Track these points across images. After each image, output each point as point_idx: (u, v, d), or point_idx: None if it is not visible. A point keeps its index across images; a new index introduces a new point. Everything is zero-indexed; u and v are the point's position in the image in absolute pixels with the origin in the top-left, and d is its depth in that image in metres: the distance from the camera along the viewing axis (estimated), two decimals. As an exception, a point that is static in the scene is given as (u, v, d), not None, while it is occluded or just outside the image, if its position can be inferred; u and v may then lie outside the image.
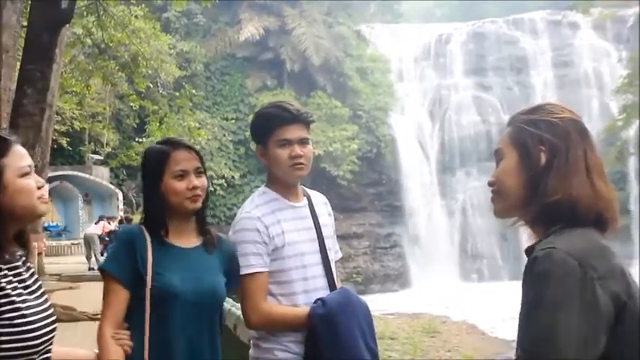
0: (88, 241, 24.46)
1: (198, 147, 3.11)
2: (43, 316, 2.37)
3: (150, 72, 24.34)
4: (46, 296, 2.49)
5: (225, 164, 41.52)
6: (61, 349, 2.67)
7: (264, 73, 44.34)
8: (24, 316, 2.29)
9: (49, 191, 21.92)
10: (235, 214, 3.40)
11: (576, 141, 2.02)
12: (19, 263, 2.44)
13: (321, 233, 3.37)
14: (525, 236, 2.11)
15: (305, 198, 3.43)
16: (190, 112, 30.81)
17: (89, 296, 14.09)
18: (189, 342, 2.92)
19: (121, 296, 2.92)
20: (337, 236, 3.60)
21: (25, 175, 2.40)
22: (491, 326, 27.34)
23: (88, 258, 24.08)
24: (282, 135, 3.23)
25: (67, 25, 15.42)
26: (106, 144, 38.33)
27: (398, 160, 44.31)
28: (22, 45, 12.80)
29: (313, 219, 3.37)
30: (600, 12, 42.58)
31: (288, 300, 3.24)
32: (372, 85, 45.32)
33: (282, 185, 3.34)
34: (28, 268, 2.49)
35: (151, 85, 26.39)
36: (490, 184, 2.14)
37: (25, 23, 12.82)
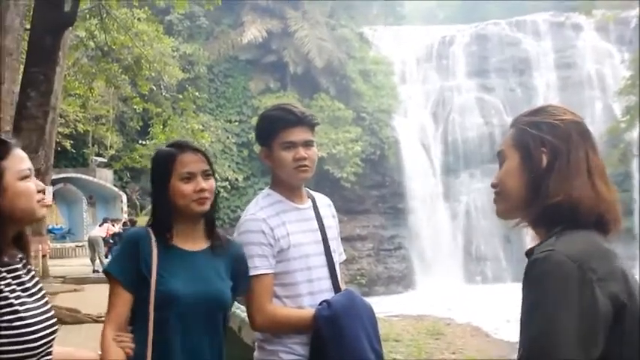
0: (92, 244, 24.48)
1: (201, 149, 3.09)
2: (43, 319, 2.38)
3: (153, 74, 24.40)
4: (46, 299, 2.50)
5: (229, 166, 41.53)
6: (64, 349, 2.68)
7: (267, 76, 44.32)
8: (22, 318, 2.30)
9: (53, 194, 21.95)
10: (239, 217, 3.40)
11: (578, 143, 2.03)
12: (19, 266, 2.44)
13: (326, 235, 3.36)
14: (529, 238, 2.12)
15: (309, 200, 3.43)
16: (194, 114, 30.79)
17: (93, 298, 14.12)
18: (190, 346, 2.91)
19: (124, 298, 2.93)
20: (341, 238, 3.59)
21: (25, 178, 2.41)
22: (495, 328, 27.34)
23: (92, 260, 24.10)
24: (287, 137, 3.23)
25: (70, 28, 15.48)
26: (110, 146, 38.35)
27: (401, 162, 44.29)
28: (26, 48, 12.86)
29: (318, 221, 3.37)
30: (603, 14, 42.61)
31: (293, 302, 3.24)
32: (375, 88, 45.31)
33: (287, 187, 3.33)
34: (29, 271, 2.49)
35: (154, 88, 26.47)
36: (493, 185, 2.16)
37: (29, 26, 12.84)
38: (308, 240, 3.29)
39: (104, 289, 3.06)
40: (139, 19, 23.00)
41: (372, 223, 43.10)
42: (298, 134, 3.24)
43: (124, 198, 37.38)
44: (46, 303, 2.48)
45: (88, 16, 19.93)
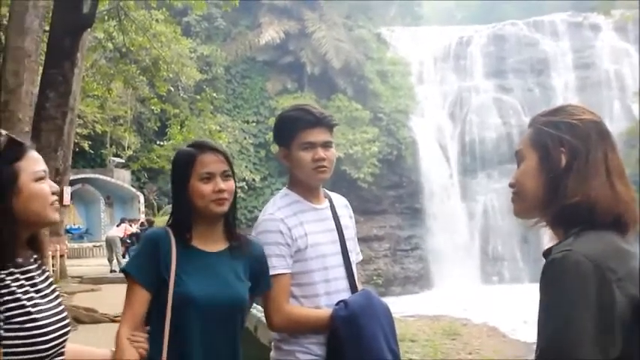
0: (109, 244, 24.60)
1: (219, 150, 3.08)
2: (55, 320, 2.38)
3: (171, 75, 24.49)
4: (59, 300, 2.50)
5: (246, 167, 41.57)
6: (77, 347, 2.69)
7: (285, 77, 44.37)
8: (34, 320, 2.30)
9: (71, 194, 22.06)
10: (256, 217, 3.40)
11: (596, 143, 2.01)
12: (33, 267, 2.44)
13: (343, 235, 3.36)
14: (546, 238, 2.11)
15: (326, 200, 3.43)
16: (211, 115, 30.95)
17: (110, 298, 14.16)
18: (206, 347, 2.90)
19: (142, 298, 2.92)
20: (358, 239, 3.59)
21: (39, 179, 2.41)
22: (512, 329, 27.22)
23: (110, 260, 24.21)
24: (306, 138, 3.23)
25: (89, 30, 15.57)
26: (128, 147, 38.50)
27: (418, 163, 44.21)
28: (45, 49, 12.94)
29: (335, 221, 3.37)
30: (622, 14, 42.35)
31: (310, 302, 3.23)
32: (393, 88, 45.24)
33: (304, 187, 3.33)
34: (43, 272, 2.49)
35: (172, 89, 26.58)
36: (511, 185, 2.15)
37: (47, 28, 12.92)
38: (325, 240, 3.29)
39: (121, 289, 3.06)
40: (156, 21, 23.08)
41: (388, 223, 43.06)
42: (317, 135, 3.24)
43: (142, 198, 37.51)
44: (60, 304, 2.48)
45: (106, 17, 20.02)
